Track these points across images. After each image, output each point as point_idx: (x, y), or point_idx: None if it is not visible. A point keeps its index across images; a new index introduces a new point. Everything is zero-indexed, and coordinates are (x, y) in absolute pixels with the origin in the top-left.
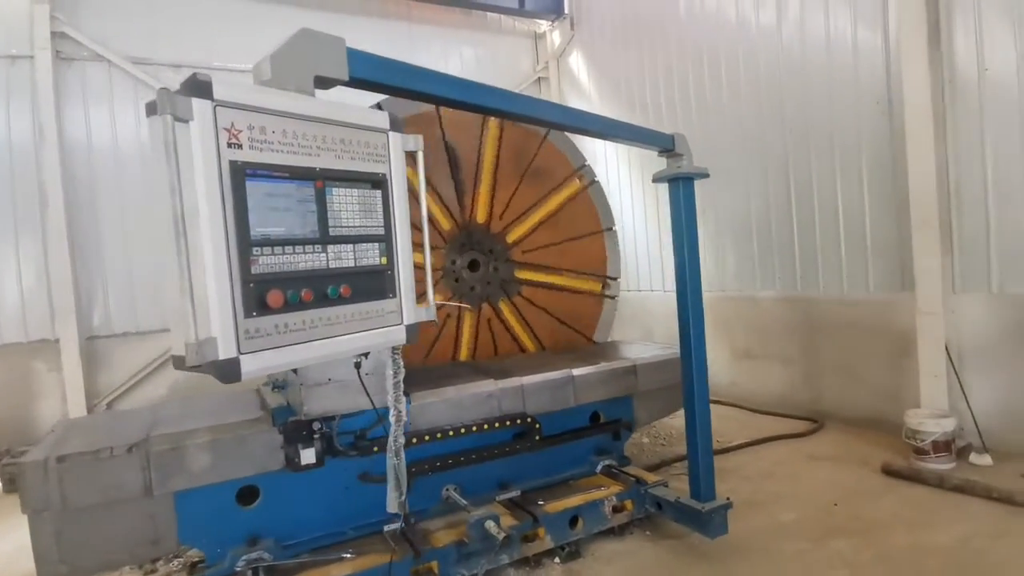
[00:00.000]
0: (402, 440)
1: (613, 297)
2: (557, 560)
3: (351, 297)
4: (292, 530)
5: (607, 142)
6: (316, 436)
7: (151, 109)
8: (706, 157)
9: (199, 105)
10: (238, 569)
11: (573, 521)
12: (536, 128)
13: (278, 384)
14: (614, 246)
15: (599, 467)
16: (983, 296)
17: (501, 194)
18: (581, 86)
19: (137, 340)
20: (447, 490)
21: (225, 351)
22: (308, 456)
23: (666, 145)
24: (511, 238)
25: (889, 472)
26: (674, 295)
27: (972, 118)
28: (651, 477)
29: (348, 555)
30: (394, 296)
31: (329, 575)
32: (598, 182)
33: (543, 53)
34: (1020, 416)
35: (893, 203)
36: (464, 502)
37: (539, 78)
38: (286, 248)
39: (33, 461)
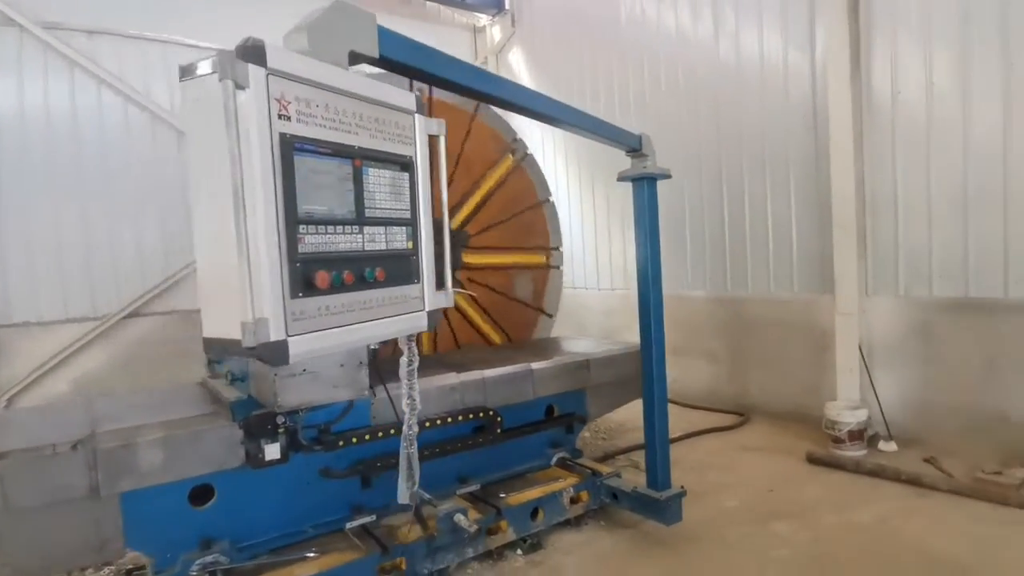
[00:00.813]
0: (416, 429)
1: (558, 267)
2: (519, 552)
3: (384, 281)
4: (248, 531)
5: (544, 141)
6: (281, 431)
7: (187, 72)
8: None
9: (255, 72)
10: (192, 574)
11: (534, 513)
12: (464, 105)
13: (236, 376)
14: (553, 216)
15: (554, 460)
16: (891, 299)
17: (482, 218)
18: (521, 83)
19: (40, 331)
20: (412, 485)
21: (276, 332)
22: (272, 451)
23: (633, 145)
24: (456, 224)
25: (813, 460)
26: (608, 292)
27: (885, 137)
28: (605, 468)
29: (311, 554)
30: (418, 282)
31: (292, 575)
32: (531, 155)
33: (482, 47)
34: (919, 407)
35: (817, 211)
36: (428, 496)
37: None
38: (328, 227)
39: None
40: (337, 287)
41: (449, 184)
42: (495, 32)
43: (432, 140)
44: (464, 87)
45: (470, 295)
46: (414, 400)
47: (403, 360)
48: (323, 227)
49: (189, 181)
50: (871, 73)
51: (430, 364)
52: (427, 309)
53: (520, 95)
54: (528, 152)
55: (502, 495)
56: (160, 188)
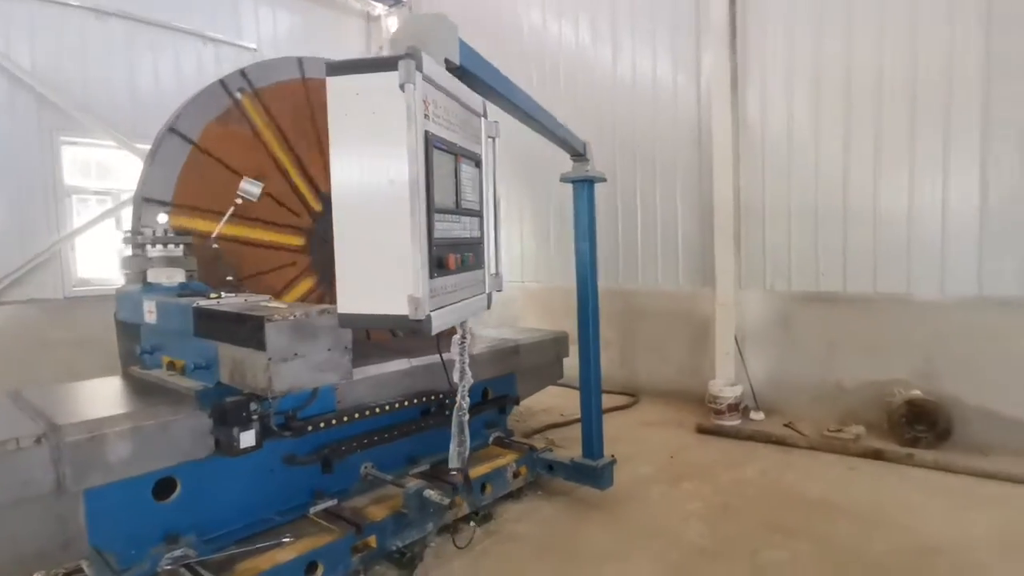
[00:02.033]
0: (468, 399)
1: None
2: (473, 524)
3: (471, 265)
4: (213, 523)
5: None
6: (255, 417)
7: (335, 69)
8: (546, 162)
9: (416, 75)
10: (167, 568)
11: (482, 488)
12: None
13: (200, 365)
14: None
15: (491, 439)
16: (760, 292)
17: None
18: None
19: None
20: (366, 467)
21: (426, 309)
22: (248, 439)
23: (578, 149)
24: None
25: (701, 430)
26: (504, 283)
27: (757, 156)
28: (539, 444)
29: (287, 539)
30: (482, 267)
31: (275, 561)
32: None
33: (376, 37)
34: (780, 382)
35: (699, 215)
36: (388, 477)
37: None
38: (443, 216)
39: None
40: (453, 269)
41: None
42: (391, 23)
43: (490, 141)
44: (498, 93)
45: None
46: (466, 372)
47: (455, 338)
48: (441, 215)
49: (336, 169)
50: (746, 102)
51: (376, 351)
52: (487, 291)
53: (514, 93)
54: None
55: (453, 472)
56: (16, 163)
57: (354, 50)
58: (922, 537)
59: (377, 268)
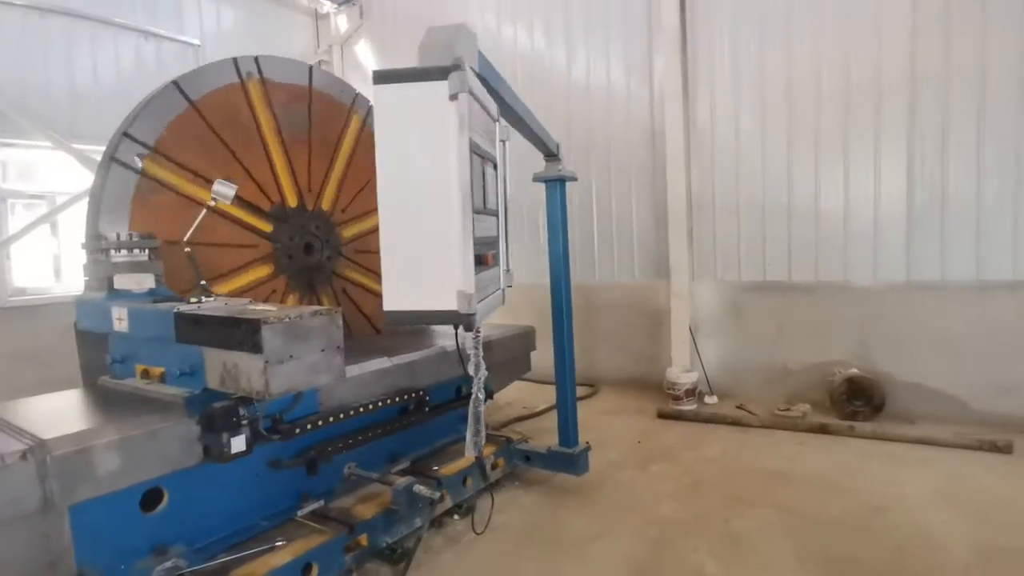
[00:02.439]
0: (483, 391)
1: None
2: (457, 516)
3: (494, 262)
4: (201, 531)
5: None
6: (245, 422)
7: (382, 78)
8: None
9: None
10: None
11: (463, 481)
12: (294, 80)
13: (184, 371)
14: None
15: None
16: (711, 283)
17: (299, 166)
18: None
19: None
20: (350, 467)
21: (475, 303)
22: (239, 444)
23: (552, 149)
24: (327, 203)
25: (661, 415)
26: None
27: (707, 157)
28: (515, 436)
29: (280, 542)
30: (498, 264)
31: (270, 565)
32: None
33: (325, 35)
34: (731, 367)
35: (653, 212)
36: (374, 475)
37: (320, 61)
38: (478, 216)
39: None
40: (489, 266)
41: (308, 156)
42: (340, 21)
43: (502, 144)
44: (498, 95)
45: None
46: (480, 366)
47: (471, 333)
48: (477, 216)
49: (383, 173)
50: (697, 105)
51: (354, 350)
52: (502, 287)
53: (510, 94)
54: (371, 106)
55: (435, 468)
56: None
57: (301, 47)
58: (868, 497)
59: (424, 267)
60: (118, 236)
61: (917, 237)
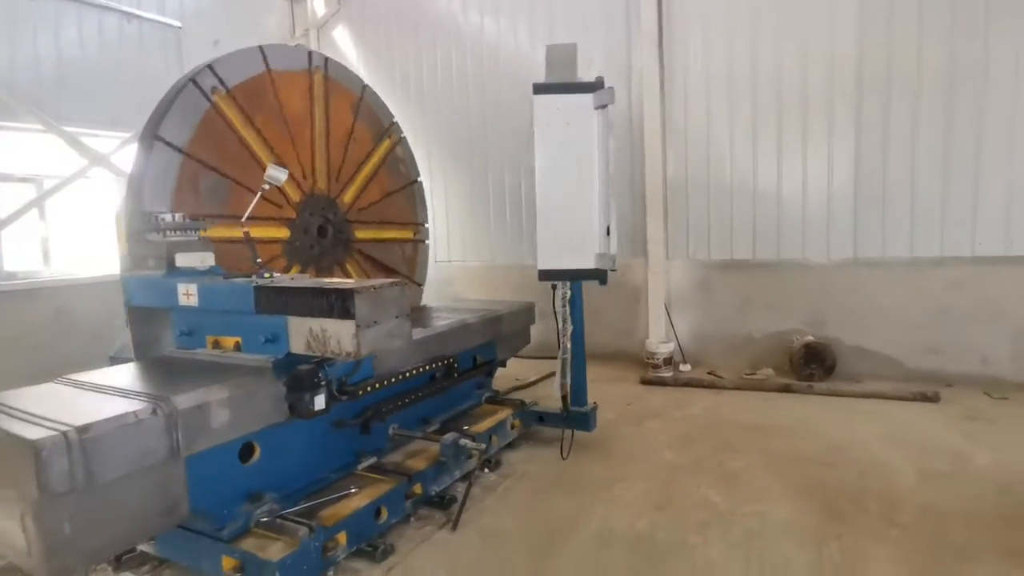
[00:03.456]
0: (569, 343)
1: (424, 241)
2: (487, 470)
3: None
4: (283, 481)
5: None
6: (322, 384)
7: (541, 89)
8: (483, 141)
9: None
10: (264, 520)
11: (490, 438)
12: (352, 88)
13: (268, 339)
14: (421, 195)
15: (484, 398)
16: (684, 261)
17: (334, 160)
18: (348, 63)
19: None
20: (394, 428)
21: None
22: (320, 402)
23: None
24: (347, 200)
25: (644, 382)
26: (445, 264)
27: (681, 147)
28: (528, 400)
29: (353, 490)
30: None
31: (351, 508)
32: (405, 138)
33: (302, 18)
34: (702, 337)
35: (631, 196)
36: (418, 434)
37: (297, 45)
38: None
39: (48, 439)
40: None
41: (344, 156)
42: (318, 5)
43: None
44: None
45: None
46: (567, 323)
47: (558, 293)
48: None
49: (540, 163)
50: (672, 97)
51: None
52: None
53: None
54: (403, 135)
55: (465, 427)
56: None
57: (276, 30)
58: (831, 440)
59: (571, 236)
60: (173, 217)
61: (863, 220)
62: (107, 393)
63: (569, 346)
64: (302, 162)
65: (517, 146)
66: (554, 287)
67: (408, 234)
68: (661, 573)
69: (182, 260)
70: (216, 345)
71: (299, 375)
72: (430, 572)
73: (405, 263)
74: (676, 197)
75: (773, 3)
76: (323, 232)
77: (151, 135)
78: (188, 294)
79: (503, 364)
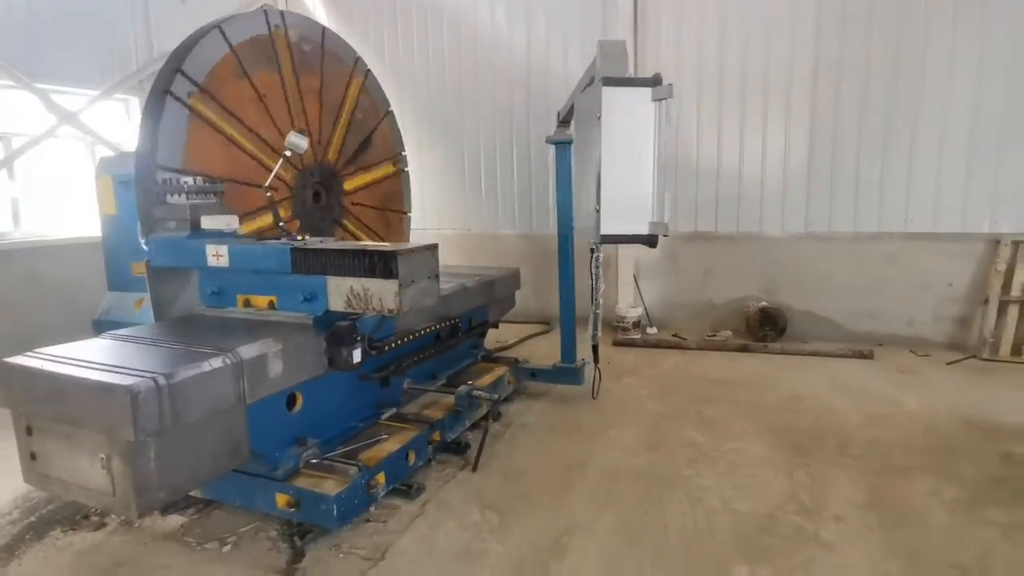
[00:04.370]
0: (601, 301)
1: (404, 169)
2: (492, 420)
3: None
4: (321, 429)
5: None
6: (358, 339)
7: (609, 82)
8: (458, 111)
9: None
10: (313, 461)
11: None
12: (312, 35)
13: (307, 298)
14: (395, 127)
15: (479, 357)
16: None
17: (312, 122)
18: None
19: None
20: (407, 383)
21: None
22: (357, 356)
23: (564, 118)
24: (331, 157)
25: (616, 343)
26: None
27: None
28: (519, 357)
29: (384, 436)
30: None
31: (387, 451)
32: (371, 71)
33: None
34: (667, 303)
35: None
36: (433, 387)
37: (263, 6)
38: None
39: (142, 384)
40: None
41: (320, 113)
42: None
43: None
44: None
45: None
46: (599, 282)
47: (594, 257)
48: None
49: (606, 144)
50: None
51: None
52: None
53: None
54: (368, 69)
55: (469, 382)
56: None
57: None
58: (789, 391)
59: (629, 204)
60: (195, 180)
61: (813, 198)
62: (169, 346)
63: (600, 302)
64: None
65: (493, 119)
66: (592, 251)
67: (390, 168)
68: (667, 497)
69: (208, 222)
70: (247, 304)
71: (338, 331)
72: (461, 505)
73: (395, 198)
74: None
75: None
76: (318, 198)
77: (162, 90)
78: (218, 255)
79: (495, 325)
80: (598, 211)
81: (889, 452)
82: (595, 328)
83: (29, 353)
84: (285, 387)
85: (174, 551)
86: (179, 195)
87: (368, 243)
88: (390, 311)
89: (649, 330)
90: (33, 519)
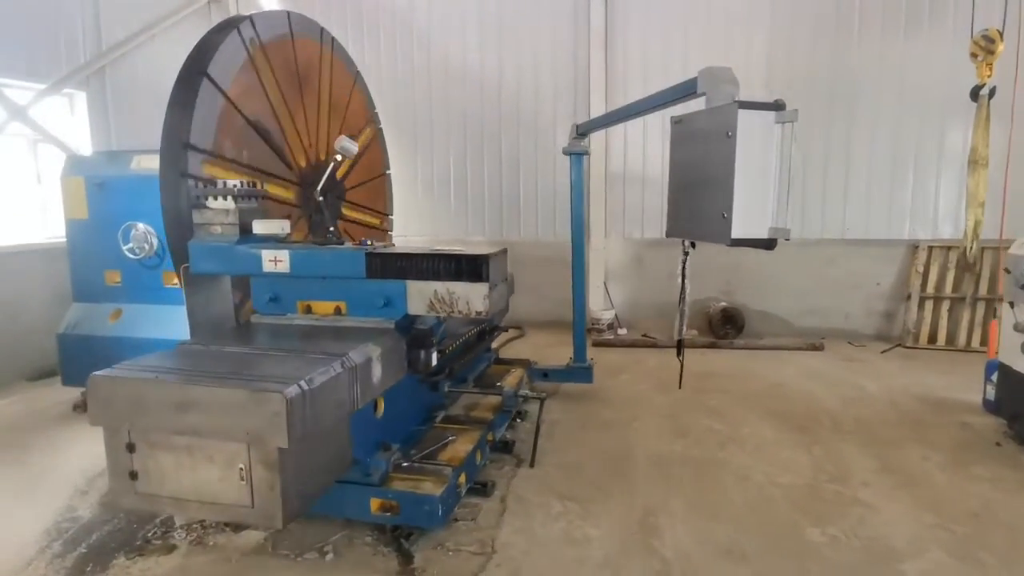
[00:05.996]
0: (688, 298)
1: (389, 231)
2: (519, 420)
3: None
4: (395, 433)
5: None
6: (435, 342)
7: (744, 105)
8: (432, 128)
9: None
10: (404, 465)
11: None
12: (349, 68)
13: (387, 302)
14: (390, 187)
15: (493, 359)
16: (619, 239)
17: (323, 127)
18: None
19: None
20: (447, 386)
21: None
22: (435, 359)
23: (583, 130)
24: (339, 173)
25: (595, 344)
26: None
27: (619, 138)
28: (531, 359)
29: (452, 437)
30: None
31: (462, 451)
32: (382, 129)
33: None
34: (634, 305)
35: None
36: (475, 390)
37: (209, 2)
38: None
39: (295, 391)
40: None
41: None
42: None
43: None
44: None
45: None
46: (686, 280)
47: (682, 259)
48: None
49: (739, 160)
50: (614, 98)
51: None
52: None
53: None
54: (380, 126)
55: (498, 383)
56: None
57: None
58: (768, 380)
59: (752, 210)
60: (241, 184)
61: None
62: (278, 353)
63: (688, 299)
64: (310, 131)
65: (462, 129)
66: (686, 253)
67: (375, 222)
68: (717, 475)
69: (260, 227)
70: (308, 310)
71: (420, 334)
72: (538, 497)
73: (381, 198)
74: (614, 183)
75: (700, 18)
76: (324, 192)
77: (197, 73)
78: (277, 260)
79: (506, 329)
80: (726, 217)
81: (874, 427)
82: (681, 323)
83: (118, 367)
84: (381, 391)
85: (275, 566)
86: (223, 199)
87: (447, 247)
88: (478, 313)
89: (619, 331)
90: (84, 549)
